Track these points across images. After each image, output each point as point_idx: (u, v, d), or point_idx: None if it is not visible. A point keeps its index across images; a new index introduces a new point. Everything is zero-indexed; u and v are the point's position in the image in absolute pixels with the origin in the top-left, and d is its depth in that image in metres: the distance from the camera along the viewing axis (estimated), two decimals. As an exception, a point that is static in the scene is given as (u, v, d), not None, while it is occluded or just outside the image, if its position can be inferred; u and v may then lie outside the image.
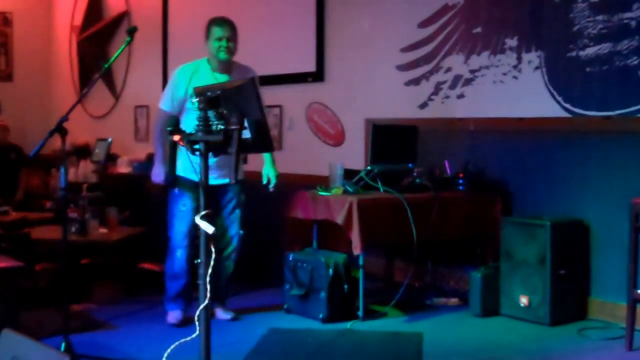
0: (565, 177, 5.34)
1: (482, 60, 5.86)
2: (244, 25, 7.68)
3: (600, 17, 5.17)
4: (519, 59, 5.62)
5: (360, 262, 5.02)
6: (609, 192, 5.11)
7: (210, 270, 3.19)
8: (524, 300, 5.08)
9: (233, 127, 3.22)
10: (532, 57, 5.54)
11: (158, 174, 5.05)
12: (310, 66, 7.08)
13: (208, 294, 3.18)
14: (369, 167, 5.37)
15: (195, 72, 4.92)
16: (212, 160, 4.42)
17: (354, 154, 6.55)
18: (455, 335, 4.84)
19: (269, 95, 7.22)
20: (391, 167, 5.47)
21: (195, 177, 4.55)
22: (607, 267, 5.11)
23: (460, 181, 5.60)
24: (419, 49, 6.29)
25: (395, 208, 5.09)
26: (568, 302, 5.09)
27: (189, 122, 4.40)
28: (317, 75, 7.05)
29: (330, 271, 5.00)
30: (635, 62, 4.96)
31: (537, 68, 5.51)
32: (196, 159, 4.36)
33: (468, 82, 5.95)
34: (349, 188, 5.17)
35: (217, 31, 4.93)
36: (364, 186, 5.26)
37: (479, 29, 5.89)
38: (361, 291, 5.05)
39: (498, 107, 5.77)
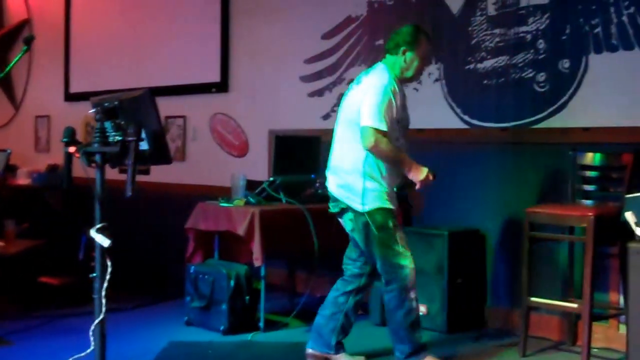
0: (463, 187, 5.44)
1: (384, 72, 5.94)
2: (148, 35, 7.68)
3: (497, 31, 5.31)
4: (420, 71, 5.72)
5: (262, 273, 5.01)
6: (504, 201, 5.24)
7: (105, 285, 3.14)
8: (422, 309, 5.15)
9: (130, 138, 3.18)
10: (432, 70, 5.64)
11: (418, 172, 4.20)
12: (214, 76, 7.06)
13: (103, 308, 3.13)
14: (271, 178, 5.37)
15: (397, 85, 4.19)
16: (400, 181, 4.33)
17: (258, 165, 6.56)
18: (355, 345, 4.86)
19: (172, 105, 7.21)
20: (294, 178, 5.49)
21: (395, 207, 4.25)
22: (502, 276, 5.24)
23: (362, 192, 5.63)
24: (323, 60, 6.35)
25: (297, 219, 5.10)
26: (465, 310, 5.20)
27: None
28: (222, 86, 7.04)
29: (232, 283, 4.99)
30: (531, 75, 5.10)
31: (436, 80, 5.63)
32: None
33: (370, 93, 6.02)
34: (251, 199, 5.17)
35: (426, 49, 4.26)
36: (267, 197, 5.27)
37: (381, 41, 5.97)
38: (262, 302, 5.05)
39: (399, 119, 5.84)
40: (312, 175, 5.60)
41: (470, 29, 5.46)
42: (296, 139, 5.83)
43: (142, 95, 3.32)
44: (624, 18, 4.71)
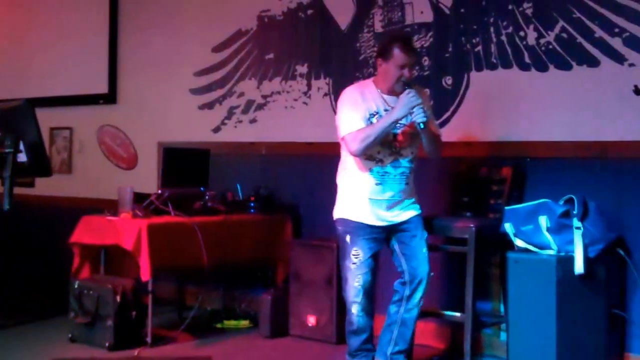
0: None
1: (274, 85, 5.99)
2: (33, 44, 7.50)
3: (384, 47, 5.40)
4: (309, 85, 5.79)
5: (150, 287, 4.95)
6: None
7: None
8: (312, 320, 5.19)
9: (7, 150, 3.10)
10: (321, 84, 5.72)
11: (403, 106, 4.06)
12: (102, 88, 6.95)
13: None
14: (159, 191, 5.32)
15: (363, 93, 4.23)
16: (382, 191, 4.20)
17: (148, 177, 6.48)
18: (244, 357, 4.87)
19: (58, 116, 7.08)
20: (183, 190, 5.45)
21: (371, 220, 4.21)
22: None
23: (252, 204, 5.65)
24: (213, 73, 6.34)
25: (186, 232, 5.05)
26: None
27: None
28: (110, 97, 6.93)
29: (118, 298, 4.90)
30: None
31: (325, 95, 5.70)
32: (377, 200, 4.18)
33: (260, 107, 6.06)
34: (138, 212, 5.10)
35: (400, 57, 4.15)
36: (155, 210, 5.20)
37: (271, 55, 6.02)
38: (150, 317, 4.98)
39: (289, 132, 5.90)
40: (202, 188, 5.58)
41: (358, 44, 5.56)
42: (185, 152, 5.79)
43: (20, 106, 3.23)
44: (503, 37, 4.89)
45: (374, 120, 4.15)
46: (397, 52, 4.15)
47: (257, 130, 6.07)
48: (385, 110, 4.18)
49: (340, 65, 5.65)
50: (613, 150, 4.50)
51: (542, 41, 4.75)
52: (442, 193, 5.10)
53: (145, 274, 4.83)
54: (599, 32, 4.54)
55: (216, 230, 5.25)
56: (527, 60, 4.81)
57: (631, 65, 4.43)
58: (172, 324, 5.40)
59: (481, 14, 4.99)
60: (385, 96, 4.23)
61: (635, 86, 4.16)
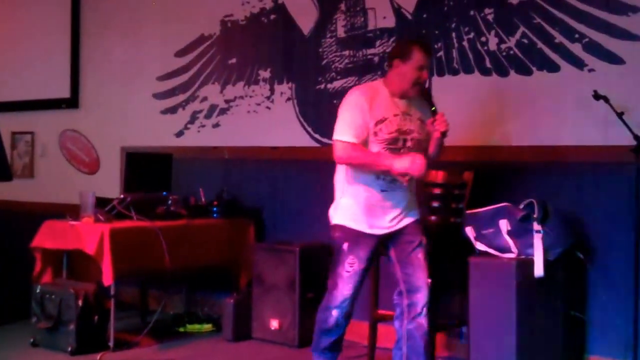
0: (314, 203, 5.50)
1: (237, 90, 6.00)
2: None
3: (346, 53, 5.45)
4: (272, 90, 5.81)
5: (112, 292, 4.92)
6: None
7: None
8: (274, 324, 5.20)
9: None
10: (284, 89, 5.74)
11: (414, 164, 3.85)
12: (64, 92, 6.93)
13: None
14: (122, 196, 5.30)
15: (372, 99, 3.95)
16: (386, 199, 4.00)
17: (110, 182, 6.47)
18: (207, 362, 4.89)
19: (20, 121, 7.03)
20: (145, 195, 5.43)
21: (371, 229, 4.00)
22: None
23: (215, 209, 5.65)
24: (176, 77, 6.35)
25: (149, 236, 5.04)
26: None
27: None
28: (72, 102, 6.92)
29: (80, 302, 4.87)
30: (378, 96, 5.24)
31: (288, 99, 5.72)
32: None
33: (223, 111, 6.07)
34: (100, 217, 5.07)
35: (421, 58, 3.96)
36: (117, 215, 5.19)
37: (234, 60, 6.03)
38: (112, 321, 4.96)
39: (252, 136, 5.91)
40: (164, 192, 5.57)
41: (320, 50, 5.58)
42: (148, 156, 5.79)
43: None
44: (465, 43, 4.93)
45: (382, 127, 3.93)
46: (416, 53, 3.95)
47: (220, 135, 6.08)
48: (395, 115, 3.98)
49: (303, 70, 5.68)
50: (572, 154, 4.56)
51: (503, 46, 4.80)
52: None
53: (108, 279, 4.82)
54: (559, 38, 4.60)
55: (179, 234, 5.25)
56: (488, 65, 4.86)
57: (591, 70, 4.50)
58: (135, 328, 5.38)
59: (443, 20, 5.03)
60: (397, 100, 4.02)
61: (595, 91, 4.22)
